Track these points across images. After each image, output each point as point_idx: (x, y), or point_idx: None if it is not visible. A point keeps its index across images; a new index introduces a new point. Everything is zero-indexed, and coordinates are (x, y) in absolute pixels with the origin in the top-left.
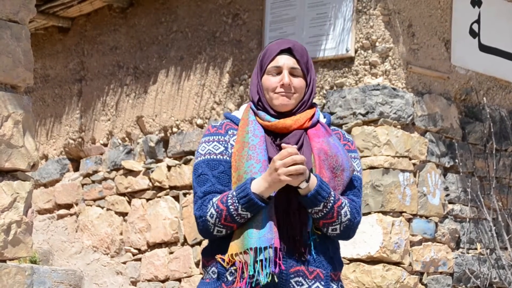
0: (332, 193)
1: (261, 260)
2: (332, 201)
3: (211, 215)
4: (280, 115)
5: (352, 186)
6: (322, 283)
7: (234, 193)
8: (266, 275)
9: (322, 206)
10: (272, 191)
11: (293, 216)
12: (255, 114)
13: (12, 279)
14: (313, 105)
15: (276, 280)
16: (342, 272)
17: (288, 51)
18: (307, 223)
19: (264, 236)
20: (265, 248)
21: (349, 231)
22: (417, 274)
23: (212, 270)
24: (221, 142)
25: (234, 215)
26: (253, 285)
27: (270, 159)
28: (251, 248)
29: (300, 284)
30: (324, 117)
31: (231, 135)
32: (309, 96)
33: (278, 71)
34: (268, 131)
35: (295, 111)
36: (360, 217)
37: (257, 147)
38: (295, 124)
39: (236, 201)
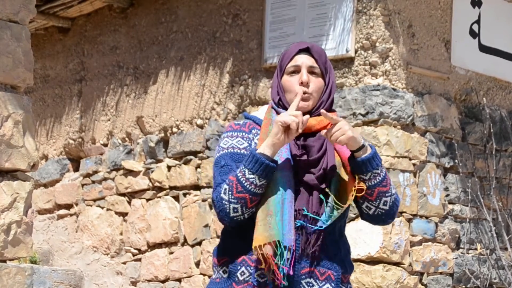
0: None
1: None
2: (385, 168)
3: (225, 191)
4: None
5: None
6: (333, 284)
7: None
8: (284, 276)
9: (380, 169)
10: (275, 148)
11: (313, 219)
12: (278, 114)
13: (12, 279)
14: (333, 111)
15: (286, 283)
16: None
17: (307, 51)
18: (326, 224)
19: (285, 235)
20: (285, 247)
21: (395, 208)
22: (417, 274)
23: (223, 269)
24: (245, 139)
25: (243, 181)
26: (260, 280)
27: (293, 157)
28: (278, 241)
29: (311, 285)
30: None
31: (255, 134)
32: (327, 96)
33: (297, 70)
34: None
35: (314, 110)
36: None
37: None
38: (318, 125)
39: (243, 166)
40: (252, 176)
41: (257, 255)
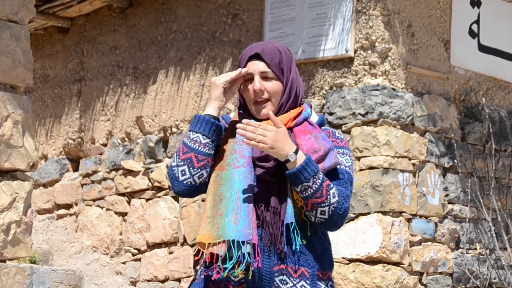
0: (320, 172)
1: (243, 255)
2: (321, 179)
3: (174, 159)
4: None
5: (337, 178)
6: (308, 282)
7: None
8: (248, 271)
9: (312, 181)
10: (213, 105)
11: (273, 214)
12: (243, 118)
13: (11, 279)
14: (301, 104)
15: (233, 278)
16: (342, 273)
17: (257, 57)
18: (289, 219)
19: (243, 230)
20: (243, 242)
21: (336, 217)
22: (416, 274)
23: (201, 270)
24: None
25: (188, 142)
26: (235, 280)
27: (253, 158)
28: (228, 240)
29: (285, 282)
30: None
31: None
32: (287, 97)
33: (251, 77)
34: None
35: (276, 114)
36: (348, 204)
37: (243, 143)
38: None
39: (188, 131)
40: (195, 135)
41: (203, 253)
